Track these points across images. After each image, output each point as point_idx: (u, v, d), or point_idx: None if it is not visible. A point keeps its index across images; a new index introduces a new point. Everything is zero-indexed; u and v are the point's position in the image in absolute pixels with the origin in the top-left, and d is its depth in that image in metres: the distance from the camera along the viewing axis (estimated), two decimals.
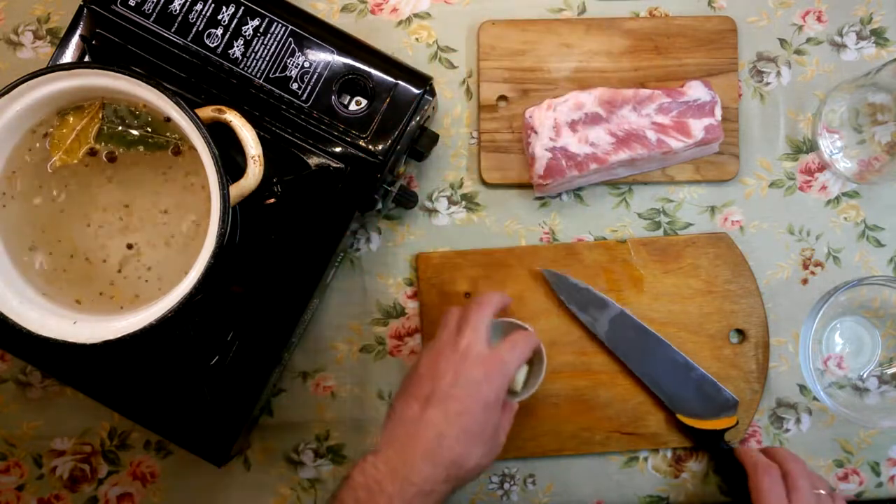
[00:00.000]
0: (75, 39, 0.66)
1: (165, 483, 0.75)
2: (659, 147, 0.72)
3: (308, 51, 0.65)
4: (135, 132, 0.60)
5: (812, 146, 0.77)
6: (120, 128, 0.60)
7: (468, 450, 0.60)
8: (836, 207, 0.77)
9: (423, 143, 0.68)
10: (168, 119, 0.58)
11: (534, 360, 0.70)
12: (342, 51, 0.66)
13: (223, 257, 0.56)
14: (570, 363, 0.75)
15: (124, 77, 0.56)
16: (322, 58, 0.65)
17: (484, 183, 0.76)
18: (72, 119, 0.60)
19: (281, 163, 0.65)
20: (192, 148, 0.57)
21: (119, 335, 0.55)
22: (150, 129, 0.60)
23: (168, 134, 0.60)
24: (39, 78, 0.57)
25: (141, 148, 0.60)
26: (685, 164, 0.76)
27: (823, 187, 0.77)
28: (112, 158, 0.61)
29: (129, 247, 0.61)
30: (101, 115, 0.60)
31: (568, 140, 0.72)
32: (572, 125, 0.72)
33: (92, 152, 0.60)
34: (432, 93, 0.68)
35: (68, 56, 0.66)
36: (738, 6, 0.77)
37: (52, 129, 0.60)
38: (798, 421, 0.76)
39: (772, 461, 0.69)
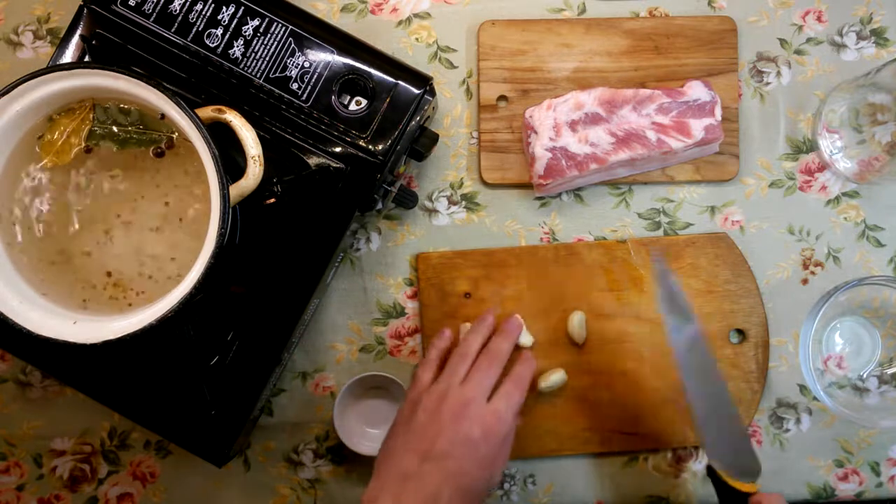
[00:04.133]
0: (75, 39, 0.66)
1: (165, 483, 0.75)
2: (659, 147, 0.72)
3: (308, 51, 0.65)
4: (126, 131, 0.60)
5: (812, 146, 0.77)
6: (111, 128, 0.60)
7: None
8: (836, 207, 0.77)
9: (423, 143, 0.68)
10: (163, 116, 0.58)
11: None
12: (342, 51, 0.66)
13: (223, 257, 0.56)
14: (570, 363, 0.75)
15: (124, 77, 0.56)
16: (322, 58, 0.65)
17: (484, 183, 0.76)
18: (63, 121, 0.60)
19: (281, 163, 0.65)
20: (188, 141, 0.57)
21: (119, 335, 0.55)
22: (142, 127, 0.60)
23: (162, 130, 0.60)
24: (40, 78, 0.57)
25: (134, 146, 0.60)
26: (685, 164, 0.76)
27: (823, 187, 0.77)
28: (104, 157, 0.61)
29: (128, 247, 0.61)
30: (91, 117, 0.60)
31: (568, 140, 0.72)
32: (572, 125, 0.72)
33: (88, 150, 0.60)
34: (432, 93, 0.67)
35: (68, 56, 0.66)
36: (738, 6, 0.77)
37: (44, 132, 0.60)
38: (798, 421, 0.76)
39: None
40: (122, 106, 0.60)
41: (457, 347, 0.67)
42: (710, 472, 0.67)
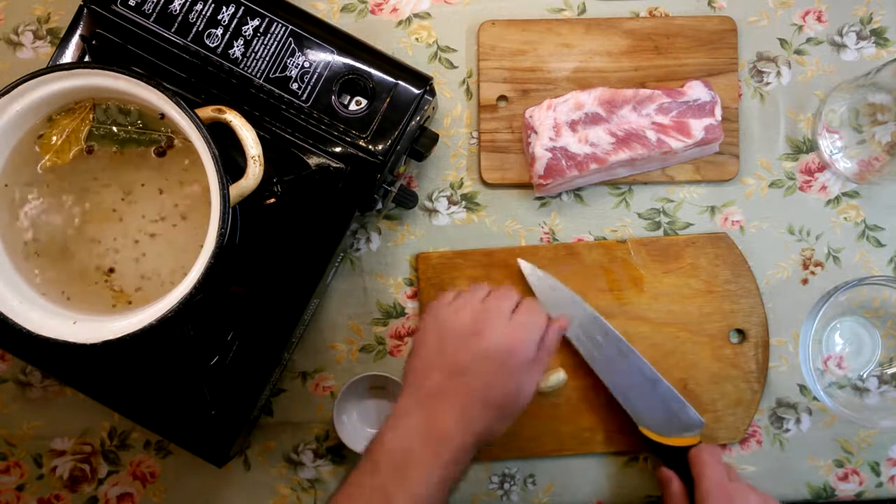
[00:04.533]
0: (75, 39, 0.66)
1: (165, 483, 0.75)
2: (659, 147, 0.72)
3: (308, 51, 0.65)
4: (126, 130, 0.60)
5: (812, 146, 0.77)
6: (111, 128, 0.60)
7: (492, 419, 0.59)
8: (836, 207, 0.77)
9: (422, 143, 0.68)
10: (162, 116, 0.58)
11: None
12: (342, 51, 0.66)
13: (223, 257, 0.56)
14: (570, 363, 0.74)
15: (124, 77, 0.56)
16: (322, 58, 0.65)
17: (484, 183, 0.76)
18: (62, 121, 0.60)
19: (281, 163, 0.65)
20: (187, 140, 0.57)
21: (119, 335, 0.55)
22: (142, 126, 0.60)
23: (161, 129, 0.60)
24: (40, 78, 0.57)
25: (134, 146, 0.60)
26: (685, 164, 0.76)
27: (823, 187, 0.77)
28: (104, 157, 0.61)
29: (128, 246, 0.61)
30: (91, 117, 0.60)
31: (568, 140, 0.72)
32: (572, 125, 0.72)
33: (89, 150, 0.60)
34: (432, 93, 0.68)
35: (68, 56, 0.66)
36: (738, 6, 0.77)
37: (44, 132, 0.60)
38: (798, 421, 0.76)
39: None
40: (121, 106, 0.60)
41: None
42: (643, 437, 0.71)
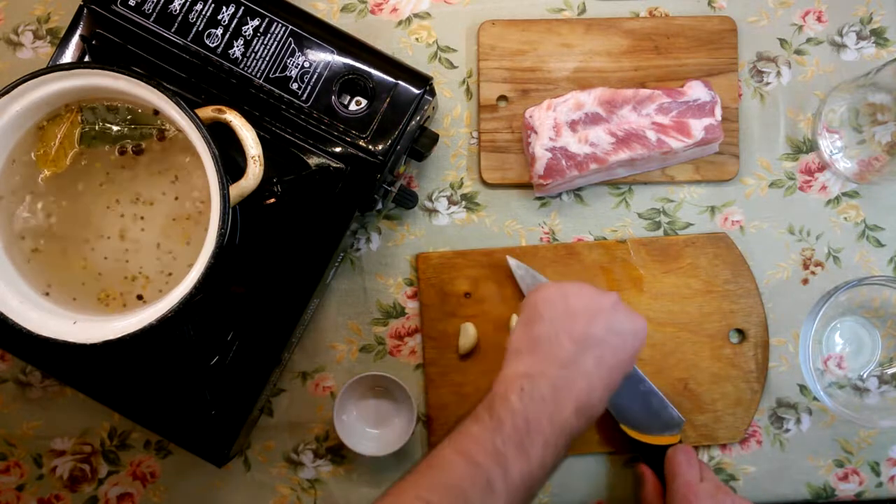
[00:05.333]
0: (75, 39, 0.66)
1: (165, 483, 0.75)
2: (659, 147, 0.72)
3: (308, 51, 0.65)
4: (117, 127, 0.60)
5: (812, 146, 0.77)
6: (101, 126, 0.60)
7: (604, 402, 0.58)
8: (836, 207, 0.77)
9: (422, 143, 0.68)
10: (157, 112, 0.58)
11: None
12: (342, 51, 0.66)
13: (223, 257, 0.56)
14: None
15: (125, 77, 0.56)
16: (322, 58, 0.65)
17: (484, 183, 0.76)
18: (52, 129, 0.60)
19: (281, 163, 0.65)
20: (179, 129, 0.57)
21: (119, 335, 0.55)
22: (133, 124, 0.60)
23: (153, 124, 0.60)
24: (40, 78, 0.57)
25: (126, 142, 0.60)
26: (685, 164, 0.76)
27: (823, 187, 0.77)
28: (100, 158, 0.61)
29: (127, 246, 0.61)
30: (79, 119, 0.60)
31: (568, 140, 0.72)
32: (572, 125, 0.72)
33: (82, 153, 0.60)
34: (432, 93, 0.68)
35: (68, 56, 0.66)
36: (738, 6, 0.77)
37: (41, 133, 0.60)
38: (798, 421, 0.76)
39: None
40: (109, 105, 0.60)
41: None
42: (625, 435, 0.72)
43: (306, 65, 0.65)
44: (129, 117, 0.60)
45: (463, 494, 0.51)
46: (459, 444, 0.54)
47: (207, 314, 0.65)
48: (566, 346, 0.57)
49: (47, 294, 0.60)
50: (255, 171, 0.59)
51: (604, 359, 0.58)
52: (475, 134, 0.76)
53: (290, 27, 0.65)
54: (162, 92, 0.56)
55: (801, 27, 0.77)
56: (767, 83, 0.77)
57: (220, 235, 0.55)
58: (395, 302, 0.76)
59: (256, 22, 0.65)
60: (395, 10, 0.77)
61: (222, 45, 0.65)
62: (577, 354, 0.57)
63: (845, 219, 0.77)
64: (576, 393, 0.56)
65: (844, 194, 0.77)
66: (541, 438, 0.54)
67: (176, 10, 0.64)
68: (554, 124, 0.72)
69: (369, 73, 0.66)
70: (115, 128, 0.60)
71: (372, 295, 0.76)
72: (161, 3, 0.64)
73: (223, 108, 0.60)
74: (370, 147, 0.65)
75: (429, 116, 0.70)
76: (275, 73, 0.65)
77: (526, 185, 0.75)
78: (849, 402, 0.74)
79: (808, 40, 0.77)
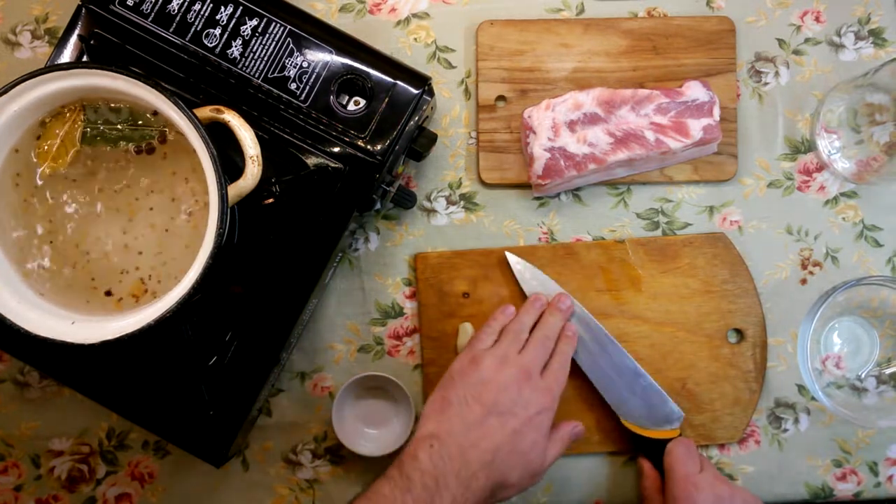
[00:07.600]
0: (73, 39, 0.66)
1: (163, 483, 0.75)
2: (657, 147, 0.72)
3: (306, 51, 0.65)
4: (118, 128, 0.60)
5: (810, 146, 0.77)
6: (103, 126, 0.60)
7: (514, 470, 0.62)
8: (834, 207, 0.77)
9: (421, 143, 0.68)
10: (155, 113, 0.58)
11: None
12: (341, 51, 0.66)
13: (222, 257, 0.56)
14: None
15: (123, 77, 0.56)
16: (320, 58, 0.65)
17: (482, 183, 0.76)
18: (54, 126, 0.60)
19: (279, 163, 0.65)
20: (180, 133, 0.57)
21: (117, 335, 0.55)
22: (133, 125, 0.60)
23: (154, 125, 0.60)
24: (38, 78, 0.57)
25: (127, 143, 0.60)
26: (683, 164, 0.76)
27: (822, 187, 0.77)
28: (99, 157, 0.60)
29: (127, 246, 0.61)
30: (82, 118, 0.60)
31: (566, 140, 0.72)
32: (571, 125, 0.72)
33: (82, 151, 0.60)
34: (431, 93, 0.67)
35: (66, 56, 0.66)
36: (737, 6, 0.77)
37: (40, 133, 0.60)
38: (796, 421, 0.76)
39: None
40: (111, 105, 0.60)
41: (511, 322, 0.69)
42: (626, 430, 0.72)
43: (305, 65, 0.65)
44: (130, 118, 0.60)
45: None
46: (368, 501, 0.57)
47: (206, 314, 0.65)
48: (474, 409, 0.62)
49: (45, 294, 0.60)
50: (253, 171, 0.59)
51: (511, 426, 0.62)
52: (474, 134, 0.76)
53: (289, 27, 0.65)
54: (160, 92, 0.55)
55: (799, 27, 0.77)
56: (766, 83, 0.77)
57: (219, 235, 0.55)
58: (393, 302, 0.76)
59: (255, 22, 0.65)
60: (393, 9, 0.77)
61: (220, 45, 0.65)
62: (483, 417, 0.61)
63: (843, 219, 0.77)
64: (482, 452, 0.60)
65: (843, 194, 0.77)
66: (448, 495, 0.57)
67: (174, 10, 0.64)
68: (552, 124, 0.72)
69: (368, 73, 0.66)
70: (116, 128, 0.60)
71: (370, 295, 0.76)
72: (159, 2, 0.64)
73: (221, 107, 0.60)
74: (369, 147, 0.65)
75: (427, 116, 0.70)
76: (273, 72, 0.65)
77: (524, 185, 0.75)
78: (847, 402, 0.74)
79: (807, 40, 0.77)
